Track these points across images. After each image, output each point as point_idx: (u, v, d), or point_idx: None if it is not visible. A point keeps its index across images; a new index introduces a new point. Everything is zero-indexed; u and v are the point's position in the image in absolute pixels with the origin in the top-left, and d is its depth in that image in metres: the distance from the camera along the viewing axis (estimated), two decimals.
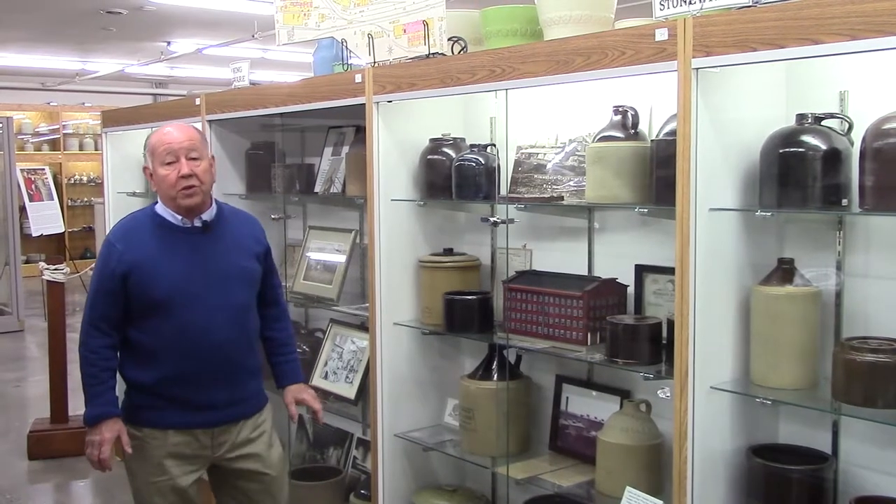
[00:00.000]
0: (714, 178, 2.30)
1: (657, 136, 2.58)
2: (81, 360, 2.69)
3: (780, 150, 2.27)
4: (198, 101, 4.17)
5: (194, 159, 2.64)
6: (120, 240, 2.69)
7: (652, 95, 2.74)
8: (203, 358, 2.65)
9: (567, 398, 3.15)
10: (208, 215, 2.72)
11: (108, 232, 2.80)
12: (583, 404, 3.09)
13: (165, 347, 2.64)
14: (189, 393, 2.66)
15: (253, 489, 2.81)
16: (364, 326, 3.70)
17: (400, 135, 3.27)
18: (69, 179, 14.06)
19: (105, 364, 2.67)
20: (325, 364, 3.95)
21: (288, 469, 2.98)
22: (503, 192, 3.16)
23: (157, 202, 2.74)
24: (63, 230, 10.22)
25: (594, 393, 3.05)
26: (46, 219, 9.58)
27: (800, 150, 2.25)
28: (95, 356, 2.66)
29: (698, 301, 2.29)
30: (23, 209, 9.64)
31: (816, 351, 2.34)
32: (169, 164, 2.62)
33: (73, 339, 6.66)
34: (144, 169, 2.75)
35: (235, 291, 2.72)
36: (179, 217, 2.68)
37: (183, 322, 2.62)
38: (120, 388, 2.74)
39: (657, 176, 2.52)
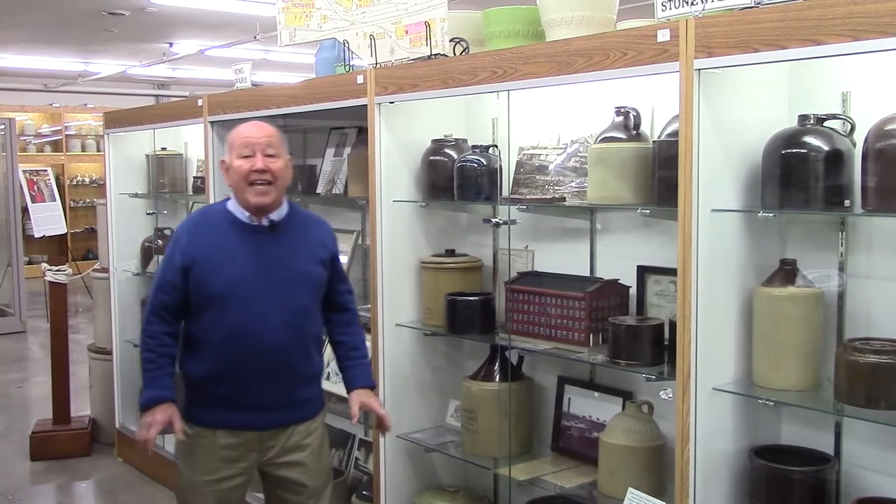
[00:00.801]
0: (716, 179, 2.30)
1: (659, 137, 2.58)
2: (141, 345, 2.71)
3: (783, 151, 2.27)
4: (200, 103, 4.17)
5: (271, 156, 2.63)
6: (187, 231, 2.71)
7: (654, 96, 2.74)
8: (253, 358, 2.62)
9: (569, 399, 3.14)
10: (277, 215, 2.69)
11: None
12: (585, 405, 3.09)
13: (217, 344, 2.63)
14: (237, 392, 2.64)
15: (293, 501, 2.75)
16: (366, 327, 3.69)
17: (402, 136, 3.27)
18: (71, 180, 14.07)
19: (163, 350, 2.67)
20: (328, 365, 3.94)
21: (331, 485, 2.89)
22: (505, 193, 3.16)
23: (229, 198, 2.73)
24: (65, 231, 10.23)
25: (596, 394, 3.05)
26: (49, 220, 9.59)
27: (802, 150, 2.24)
28: (154, 342, 2.67)
29: (700, 302, 2.29)
30: (25, 210, 9.65)
31: (819, 352, 2.34)
32: (245, 157, 2.62)
33: (75, 340, 6.71)
34: (221, 163, 2.72)
35: (294, 294, 2.67)
36: (247, 214, 2.67)
37: (236, 320, 2.60)
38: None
39: (659, 177, 2.52)
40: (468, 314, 3.17)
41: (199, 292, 2.63)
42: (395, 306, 3.31)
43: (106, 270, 5.23)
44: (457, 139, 3.30)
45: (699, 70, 2.21)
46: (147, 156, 5.07)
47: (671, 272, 2.51)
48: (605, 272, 2.99)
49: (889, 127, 2.09)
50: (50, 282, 5.40)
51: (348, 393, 2.85)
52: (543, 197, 3.05)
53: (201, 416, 2.68)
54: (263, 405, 2.66)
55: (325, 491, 2.82)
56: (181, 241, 2.68)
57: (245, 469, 2.71)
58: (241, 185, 2.62)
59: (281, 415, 2.69)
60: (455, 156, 3.22)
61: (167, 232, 4.96)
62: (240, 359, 2.62)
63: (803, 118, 2.28)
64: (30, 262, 11.19)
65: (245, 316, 2.60)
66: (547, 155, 3.13)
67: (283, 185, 2.69)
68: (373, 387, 2.87)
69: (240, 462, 2.68)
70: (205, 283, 2.62)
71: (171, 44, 10.93)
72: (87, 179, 14.25)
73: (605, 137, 2.74)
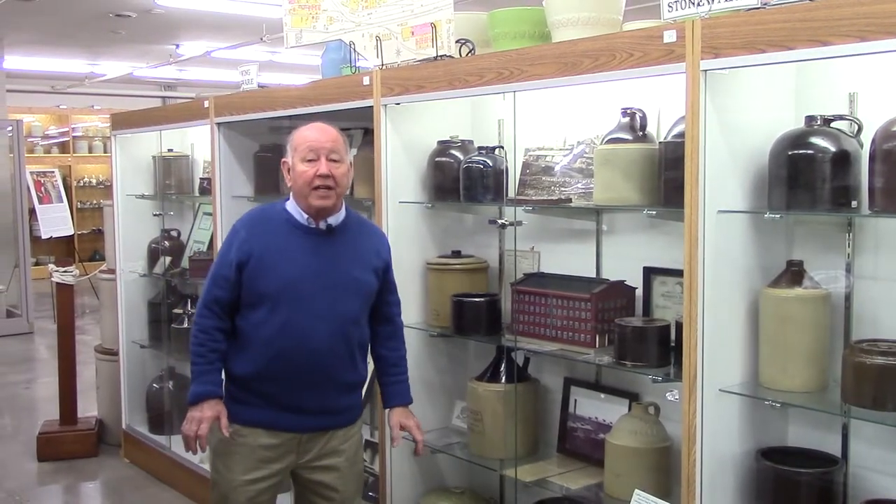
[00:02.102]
0: (723, 180, 2.29)
1: (665, 138, 2.58)
2: (191, 338, 2.69)
3: (789, 152, 2.26)
4: (206, 104, 4.18)
5: (334, 161, 2.61)
6: (244, 227, 2.70)
7: (660, 97, 2.74)
8: (297, 361, 2.61)
9: (575, 400, 3.14)
10: (335, 220, 2.68)
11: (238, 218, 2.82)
12: (591, 407, 3.08)
13: (263, 343, 2.62)
14: (279, 393, 2.63)
15: None
16: None
17: (408, 137, 3.27)
18: (78, 182, 14.12)
19: (213, 345, 2.66)
20: None
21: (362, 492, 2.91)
22: (511, 194, 3.15)
23: (288, 198, 2.72)
24: (72, 232, 10.27)
25: (602, 395, 3.05)
26: (56, 221, 9.63)
27: (809, 151, 2.24)
28: (205, 336, 2.66)
29: (707, 303, 2.28)
30: (32, 212, 9.69)
31: (826, 353, 2.33)
32: (309, 161, 2.60)
33: (81, 341, 6.72)
34: (283, 163, 2.70)
35: (344, 301, 2.65)
36: (306, 216, 2.66)
37: (284, 321, 2.60)
38: None
39: (665, 178, 2.52)
40: (474, 315, 3.17)
41: (250, 289, 2.63)
42: (402, 308, 3.30)
43: (113, 271, 5.24)
44: (463, 140, 3.30)
45: (705, 71, 2.21)
46: (153, 157, 5.07)
47: (677, 273, 2.51)
48: (611, 273, 2.99)
49: None
50: (57, 283, 5.42)
51: (385, 408, 2.88)
52: (549, 198, 3.05)
53: (242, 413, 2.67)
54: (305, 408, 2.65)
55: (357, 498, 2.81)
56: (239, 235, 2.67)
57: (280, 471, 2.70)
58: (304, 190, 2.61)
59: (322, 419, 2.69)
60: (461, 157, 3.22)
61: (173, 233, 4.98)
62: (284, 360, 2.61)
63: (810, 119, 2.28)
64: (37, 264, 11.24)
65: (293, 318, 2.60)
66: (553, 156, 3.13)
67: (344, 190, 2.67)
68: (410, 403, 2.87)
69: (276, 463, 2.68)
70: (257, 281, 2.62)
71: (177, 45, 10.95)
72: (94, 181, 14.30)
73: (612, 138, 2.74)
